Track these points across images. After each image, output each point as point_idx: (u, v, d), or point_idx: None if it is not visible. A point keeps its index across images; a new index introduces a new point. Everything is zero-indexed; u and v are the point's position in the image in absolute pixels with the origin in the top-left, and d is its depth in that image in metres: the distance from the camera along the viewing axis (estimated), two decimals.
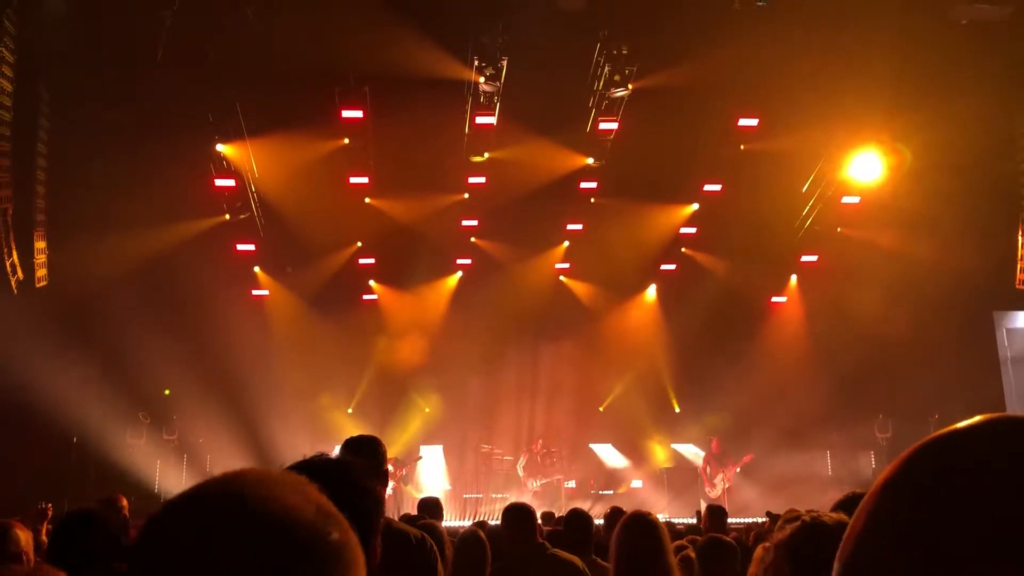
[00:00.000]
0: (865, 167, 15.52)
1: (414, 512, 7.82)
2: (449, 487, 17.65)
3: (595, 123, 14.75)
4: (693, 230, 17.80)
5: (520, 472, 17.55)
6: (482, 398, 18.19)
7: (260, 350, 16.47)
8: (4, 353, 12.86)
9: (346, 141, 14.95)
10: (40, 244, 14.00)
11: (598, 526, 6.80)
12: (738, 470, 16.74)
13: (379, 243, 17.30)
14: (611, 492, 17.84)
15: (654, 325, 18.95)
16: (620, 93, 14.03)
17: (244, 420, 16.08)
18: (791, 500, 12.31)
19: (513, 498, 16.69)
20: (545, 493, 17.15)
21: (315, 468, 1.99)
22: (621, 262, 17.81)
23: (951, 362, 16.62)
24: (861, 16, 12.87)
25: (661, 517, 4.40)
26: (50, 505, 7.05)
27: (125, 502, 6.69)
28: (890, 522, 0.68)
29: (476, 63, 13.49)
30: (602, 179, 16.26)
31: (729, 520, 8.40)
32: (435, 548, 3.93)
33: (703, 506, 11.30)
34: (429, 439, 17.86)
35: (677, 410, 19.02)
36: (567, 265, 18.66)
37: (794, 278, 18.91)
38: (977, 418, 0.70)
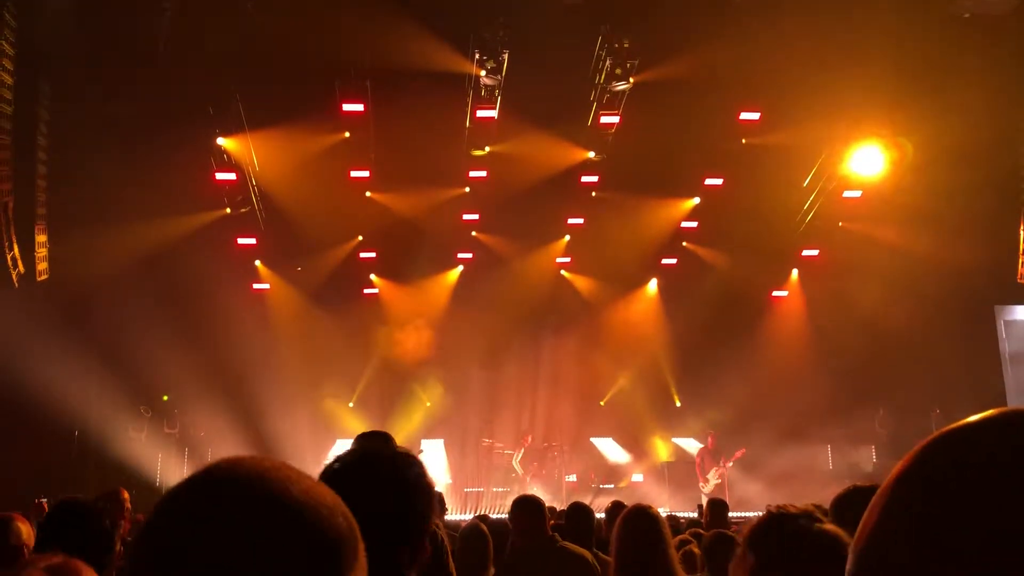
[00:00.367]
0: (866, 161, 15.51)
1: None
2: (450, 481, 17.66)
3: (596, 117, 14.73)
4: (694, 224, 17.79)
5: (517, 466, 17.56)
6: (483, 392, 18.19)
7: (261, 344, 16.47)
8: (5, 347, 12.86)
9: (347, 135, 14.94)
10: (41, 238, 14.00)
11: (599, 520, 6.80)
12: (731, 464, 16.76)
13: (380, 237, 17.28)
14: (612, 486, 17.86)
15: (655, 319, 18.95)
16: (621, 87, 14.01)
17: (245, 413, 16.09)
18: (792, 494, 12.34)
19: (514, 492, 16.75)
20: (546, 487, 17.15)
21: (375, 460, 1.98)
22: (622, 256, 17.80)
23: (952, 356, 16.62)
24: (863, 9, 12.84)
25: (662, 511, 4.40)
26: (45, 501, 7.05)
27: (127, 495, 6.70)
28: (903, 516, 0.69)
29: (477, 56, 13.47)
30: (603, 173, 16.24)
31: (729, 514, 8.40)
32: (446, 541, 3.94)
33: (704, 500, 11.29)
34: (430, 433, 17.87)
35: (678, 404, 19.03)
36: (568, 259, 18.65)
37: (795, 272, 18.91)
38: (987, 412, 0.71)
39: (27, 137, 13.15)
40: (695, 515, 11.86)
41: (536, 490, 16.62)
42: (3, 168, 12.55)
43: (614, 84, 13.96)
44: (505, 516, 8.25)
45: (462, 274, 18.50)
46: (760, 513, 2.38)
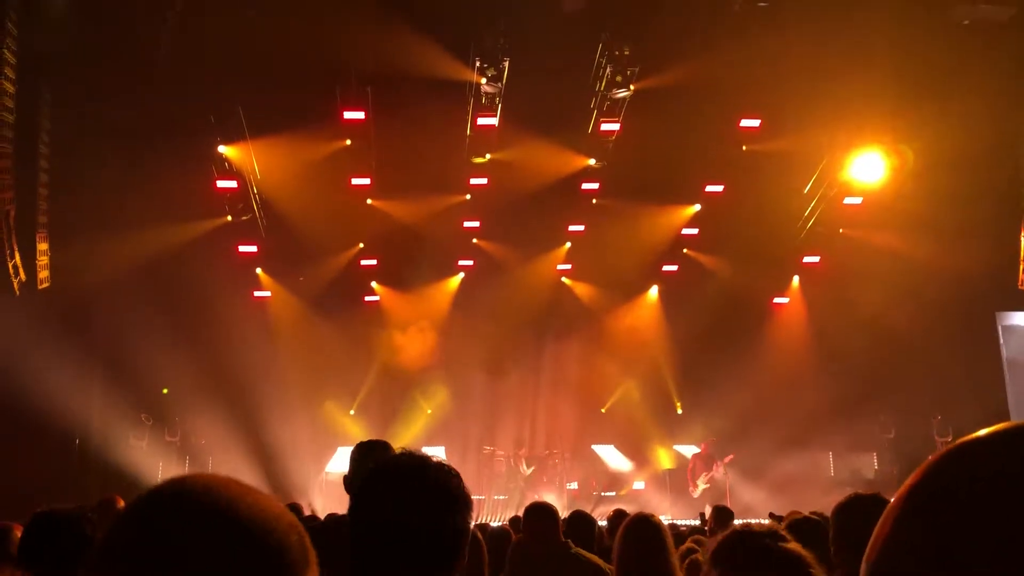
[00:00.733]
0: (867, 168, 15.52)
1: None
2: None
3: (597, 124, 14.74)
4: (695, 231, 17.80)
5: (525, 469, 17.56)
6: (484, 399, 18.18)
7: (262, 351, 16.46)
8: (6, 354, 12.87)
9: (348, 142, 14.95)
10: (42, 246, 14.01)
11: (601, 527, 6.79)
12: (720, 471, 16.80)
13: (381, 244, 17.31)
14: (613, 494, 17.84)
15: (656, 326, 18.95)
16: (622, 94, 14.02)
17: (246, 421, 16.09)
18: (794, 501, 12.32)
19: (514, 500, 16.74)
20: (547, 495, 17.12)
21: (394, 470, 1.97)
22: (623, 263, 17.81)
23: (953, 363, 16.61)
24: (862, 17, 12.86)
25: (664, 519, 4.40)
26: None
27: (122, 503, 6.69)
28: (913, 528, 0.70)
29: (478, 64, 13.49)
30: (604, 180, 16.25)
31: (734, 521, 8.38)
32: (483, 544, 3.96)
33: (707, 507, 11.29)
34: (431, 440, 17.83)
35: (679, 411, 19.01)
36: (569, 266, 18.66)
37: (796, 279, 18.91)
38: (996, 427, 0.72)
39: (29, 145, 13.17)
40: (696, 523, 11.85)
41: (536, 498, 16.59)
42: (5, 176, 12.56)
43: (614, 91, 13.97)
44: (504, 524, 8.24)
45: (463, 281, 18.51)
46: (764, 521, 2.43)
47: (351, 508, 1.96)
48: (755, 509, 15.36)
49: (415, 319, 18.02)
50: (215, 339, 15.60)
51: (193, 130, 14.05)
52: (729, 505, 13.85)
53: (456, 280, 18.53)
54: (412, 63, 12.93)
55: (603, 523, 7.55)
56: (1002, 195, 15.93)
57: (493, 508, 17.07)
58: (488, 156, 15.51)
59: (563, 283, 18.83)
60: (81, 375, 14.58)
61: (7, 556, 3.73)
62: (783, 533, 2.31)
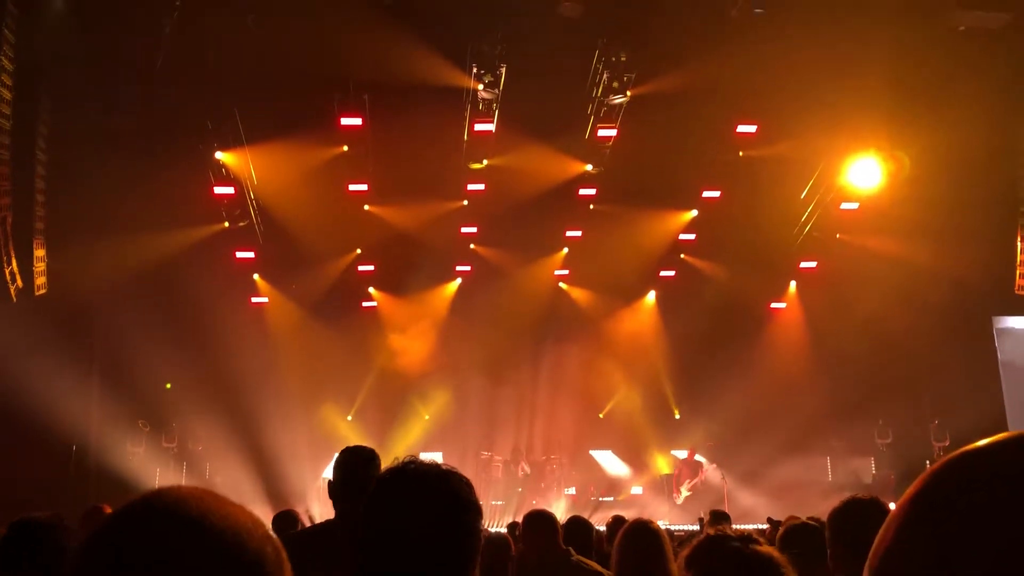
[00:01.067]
0: (864, 173, 15.54)
1: None
2: None
3: (594, 130, 14.76)
4: (692, 236, 17.83)
5: (526, 467, 17.59)
6: (481, 404, 18.18)
7: (259, 357, 16.45)
8: (3, 361, 12.84)
9: (345, 148, 14.96)
10: (39, 252, 13.99)
11: (599, 533, 6.79)
12: (704, 478, 16.92)
13: (378, 250, 17.31)
14: (611, 499, 17.82)
15: (653, 331, 18.96)
16: (619, 100, 14.05)
17: (243, 427, 16.07)
18: (792, 506, 12.32)
19: (512, 505, 16.72)
20: (545, 500, 17.11)
21: (412, 476, 1.95)
22: (620, 268, 17.82)
23: (951, 368, 16.64)
24: (859, 23, 12.89)
25: (661, 524, 4.39)
26: None
27: (110, 511, 6.66)
28: (914, 535, 0.72)
29: (475, 70, 13.51)
30: (601, 186, 16.27)
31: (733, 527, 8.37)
32: (512, 547, 3.95)
33: (705, 512, 11.28)
34: (429, 446, 17.81)
35: (677, 416, 19.01)
36: (566, 271, 18.68)
37: (793, 284, 18.93)
38: (996, 437, 0.74)
39: (26, 151, 13.15)
40: (695, 527, 11.84)
41: (534, 504, 16.59)
42: (2, 182, 12.55)
43: (611, 97, 13.99)
44: (503, 530, 8.23)
45: (460, 287, 18.52)
46: (762, 526, 2.48)
47: (364, 514, 1.94)
48: (753, 514, 15.35)
49: (413, 325, 18.02)
50: (212, 345, 15.59)
51: (190, 136, 14.05)
52: (727, 510, 13.85)
53: (454, 286, 18.54)
54: (409, 69, 12.94)
55: (601, 528, 7.54)
56: (999, 200, 15.97)
57: (491, 513, 17.04)
58: (485, 162, 15.51)
59: (561, 288, 18.84)
60: (78, 381, 14.55)
61: None
62: (756, 537, 2.40)
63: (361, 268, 17.68)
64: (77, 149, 13.93)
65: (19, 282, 13.25)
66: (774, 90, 13.83)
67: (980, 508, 0.68)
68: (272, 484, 15.74)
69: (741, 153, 15.60)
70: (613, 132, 14.68)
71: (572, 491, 18.02)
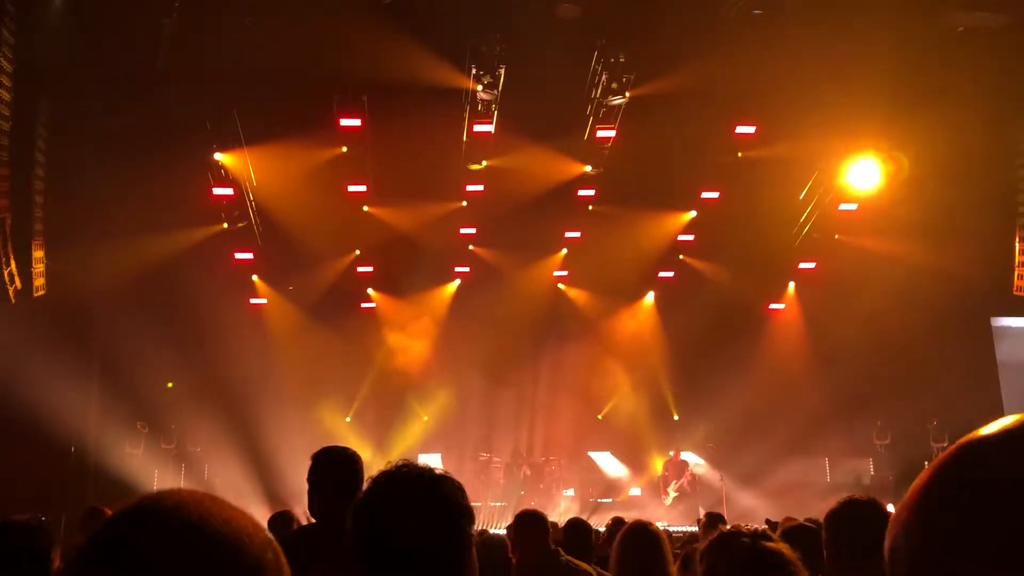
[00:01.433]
0: (863, 174, 15.55)
1: None
2: None
3: (593, 131, 14.77)
4: (691, 237, 17.83)
5: (526, 470, 17.60)
6: (480, 406, 18.18)
7: (258, 359, 16.45)
8: (2, 362, 12.84)
9: (344, 149, 14.95)
10: (38, 253, 13.98)
11: (598, 533, 6.78)
12: (688, 479, 16.95)
13: (377, 251, 17.31)
14: (610, 500, 17.82)
15: (652, 332, 18.96)
16: (617, 101, 14.05)
17: (242, 429, 16.06)
18: (791, 506, 12.31)
19: (511, 506, 16.71)
20: (543, 502, 17.10)
21: (405, 481, 1.94)
22: (619, 269, 17.83)
23: (950, 368, 16.64)
24: (858, 24, 12.90)
25: (660, 525, 4.40)
26: (44, 520, 6.98)
27: (110, 513, 6.66)
28: (921, 532, 0.73)
29: (474, 71, 13.50)
30: (600, 186, 16.27)
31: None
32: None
33: (702, 513, 11.28)
34: (427, 447, 17.83)
35: (676, 417, 19.01)
36: (565, 272, 18.67)
37: (792, 285, 18.94)
38: (996, 426, 0.74)
39: (25, 153, 13.15)
40: (694, 528, 11.83)
41: (533, 505, 16.58)
42: (1, 184, 12.55)
43: (610, 98, 14.00)
44: (502, 531, 8.22)
45: (459, 288, 18.52)
46: (760, 527, 2.52)
47: (354, 518, 1.92)
48: (752, 515, 15.34)
49: (411, 326, 18.02)
50: (211, 346, 15.58)
51: (189, 137, 14.03)
52: (726, 511, 13.87)
53: (452, 287, 18.54)
54: (408, 70, 12.93)
55: (601, 529, 7.53)
56: (997, 201, 15.97)
57: (490, 515, 17.04)
58: (484, 163, 15.51)
59: (559, 289, 18.84)
60: (77, 383, 14.53)
61: None
62: (768, 534, 2.55)
63: (360, 269, 17.68)
64: (76, 150, 13.93)
65: (18, 283, 13.24)
66: (773, 91, 13.83)
67: (980, 505, 0.69)
68: (271, 485, 15.73)
69: (740, 154, 15.60)
70: (612, 133, 14.69)
71: (571, 492, 18.01)
